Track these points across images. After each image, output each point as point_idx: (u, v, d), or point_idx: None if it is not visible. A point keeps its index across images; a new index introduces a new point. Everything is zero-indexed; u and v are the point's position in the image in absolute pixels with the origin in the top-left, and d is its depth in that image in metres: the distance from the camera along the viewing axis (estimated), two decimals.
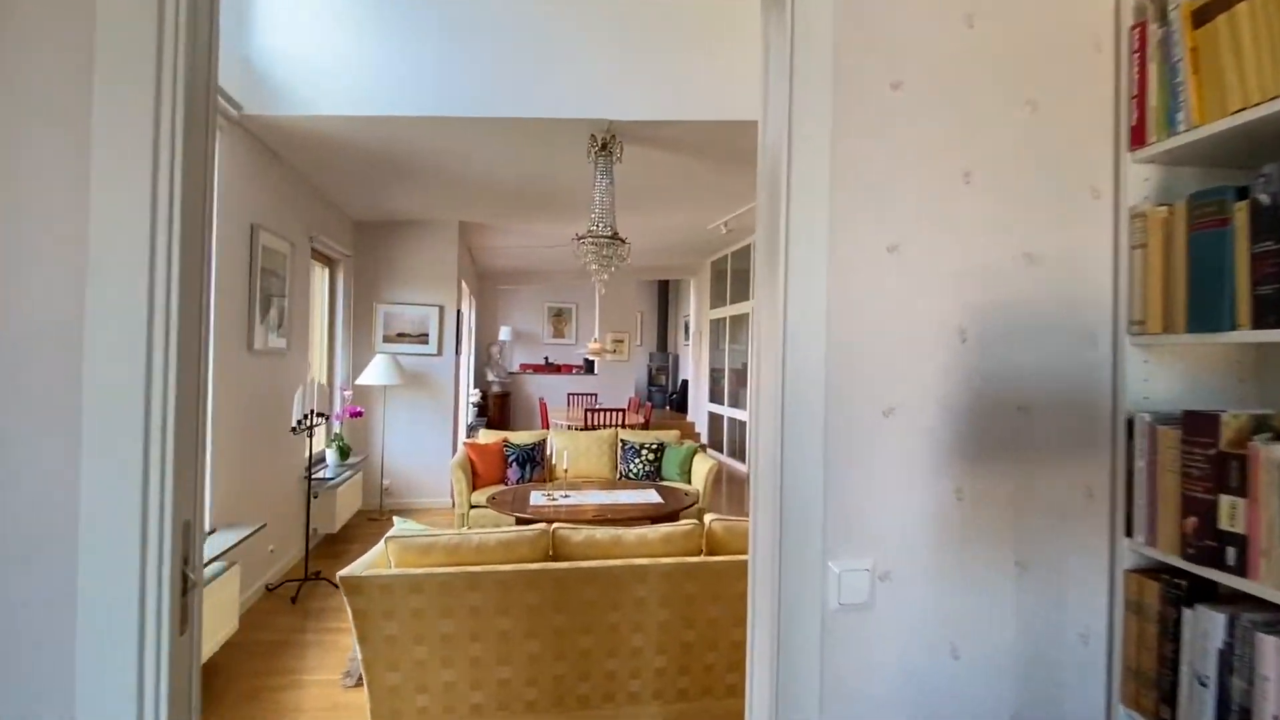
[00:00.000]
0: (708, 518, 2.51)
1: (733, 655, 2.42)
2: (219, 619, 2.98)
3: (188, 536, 0.95)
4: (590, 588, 2.28)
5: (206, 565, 2.90)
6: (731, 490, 7.35)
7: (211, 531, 3.23)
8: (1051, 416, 1.22)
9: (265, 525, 3.43)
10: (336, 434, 5.45)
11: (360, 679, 2.38)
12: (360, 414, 5.66)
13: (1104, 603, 1.24)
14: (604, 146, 3.84)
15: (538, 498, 4.21)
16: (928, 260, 1.15)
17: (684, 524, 2.46)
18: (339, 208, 5.63)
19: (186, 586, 0.95)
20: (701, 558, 2.39)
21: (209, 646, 2.90)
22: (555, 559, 2.39)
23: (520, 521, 3.84)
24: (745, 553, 2.53)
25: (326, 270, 5.70)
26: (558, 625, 2.29)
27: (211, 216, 1.01)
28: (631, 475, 5.35)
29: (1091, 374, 1.23)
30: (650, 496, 4.34)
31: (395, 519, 2.63)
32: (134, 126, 0.88)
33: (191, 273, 0.94)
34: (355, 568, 2.22)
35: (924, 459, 1.14)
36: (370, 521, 5.70)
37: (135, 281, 0.87)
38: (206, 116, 0.98)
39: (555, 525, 2.40)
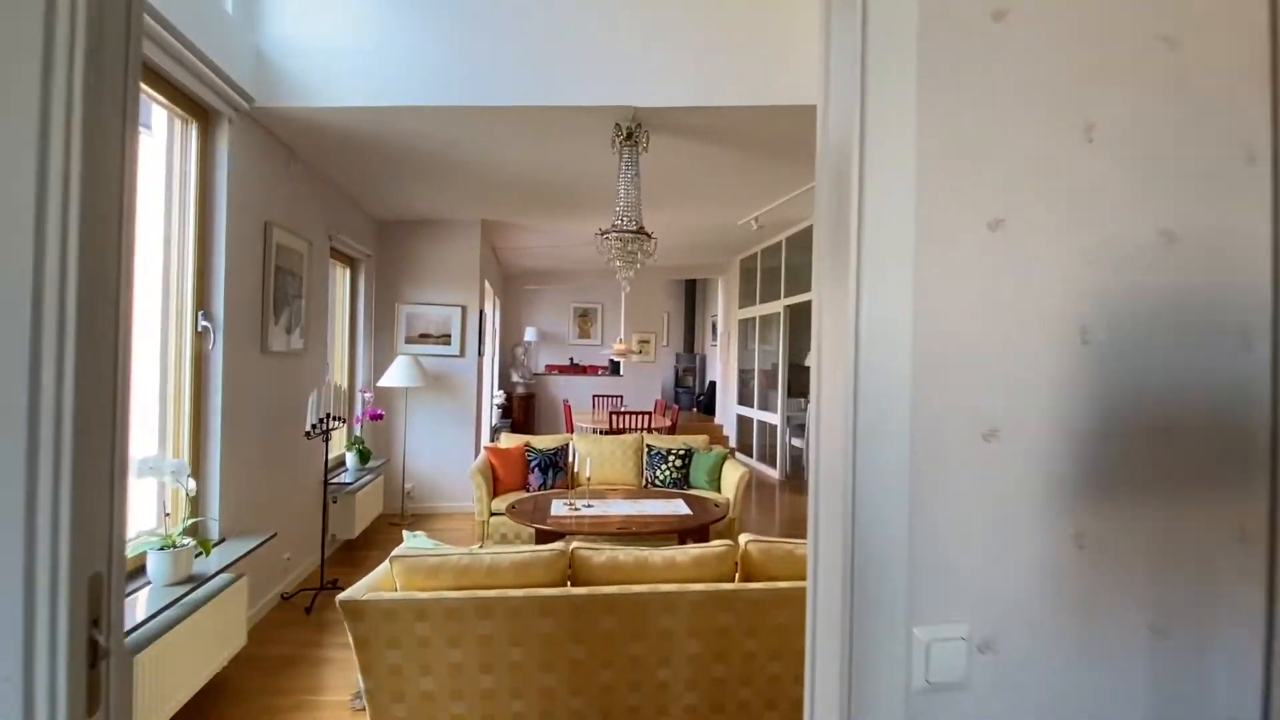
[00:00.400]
0: (743, 539, 2.27)
1: (770, 692, 2.17)
2: (226, 633, 2.84)
3: (98, 592, 0.75)
4: (612, 617, 2.06)
5: (214, 577, 2.76)
6: (761, 498, 7.06)
7: (220, 541, 3.10)
8: (1194, 439, 0.95)
9: (275, 535, 3.29)
10: (357, 437, 5.34)
11: None
12: (381, 416, 5.55)
13: (1258, 679, 0.97)
14: (629, 136, 3.62)
15: (559, 507, 4.00)
16: (1039, 239, 0.90)
17: (716, 545, 2.22)
18: (360, 206, 5.52)
19: (97, 656, 0.75)
20: (736, 585, 2.15)
21: (216, 662, 2.76)
22: (574, 583, 2.17)
23: (539, 533, 3.64)
24: (784, 579, 2.29)
25: (347, 270, 5.59)
26: (576, 657, 2.07)
27: (135, 188, 0.81)
28: (658, 483, 5.12)
29: (1245, 384, 0.97)
30: (678, 507, 4.10)
31: (405, 533, 2.44)
32: (15, 70, 0.68)
33: (100, 256, 0.74)
34: (356, 590, 2.04)
35: (1035, 495, 0.89)
36: (391, 526, 5.57)
37: (17, 266, 0.67)
38: (126, 65, 0.78)
39: (574, 545, 2.19)
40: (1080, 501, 0.91)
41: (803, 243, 7.06)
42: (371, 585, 2.11)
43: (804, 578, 2.22)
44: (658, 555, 2.18)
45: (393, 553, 2.13)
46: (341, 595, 1.98)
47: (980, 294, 0.88)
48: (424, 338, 6.17)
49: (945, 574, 0.86)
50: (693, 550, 2.20)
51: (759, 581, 2.17)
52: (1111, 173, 0.92)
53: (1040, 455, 0.89)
